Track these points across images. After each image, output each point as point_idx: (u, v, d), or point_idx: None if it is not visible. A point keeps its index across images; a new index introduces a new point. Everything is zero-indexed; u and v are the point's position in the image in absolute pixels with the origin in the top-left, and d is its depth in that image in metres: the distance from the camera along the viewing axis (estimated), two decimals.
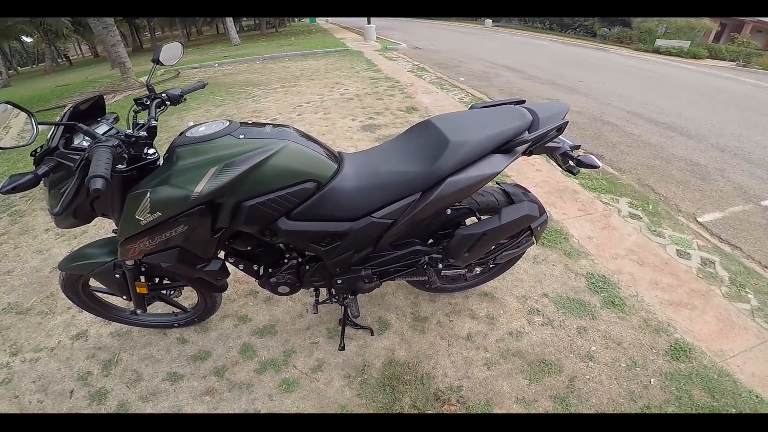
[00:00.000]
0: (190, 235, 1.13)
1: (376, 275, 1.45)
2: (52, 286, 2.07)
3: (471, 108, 1.44)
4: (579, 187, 2.86)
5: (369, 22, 13.22)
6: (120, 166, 1.01)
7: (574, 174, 1.33)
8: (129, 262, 1.31)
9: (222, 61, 10.25)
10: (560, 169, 1.38)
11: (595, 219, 2.48)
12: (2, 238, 2.56)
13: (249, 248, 1.31)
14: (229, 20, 16.46)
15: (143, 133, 1.07)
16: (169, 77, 8.74)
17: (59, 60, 25.85)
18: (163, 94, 1.28)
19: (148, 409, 1.46)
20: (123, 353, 1.71)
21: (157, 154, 1.10)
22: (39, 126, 0.94)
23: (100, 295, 1.61)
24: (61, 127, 1.03)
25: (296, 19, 36.27)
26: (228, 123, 1.12)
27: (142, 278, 1.38)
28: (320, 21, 38.00)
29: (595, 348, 1.62)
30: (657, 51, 13.56)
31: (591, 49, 13.68)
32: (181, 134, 1.11)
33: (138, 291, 1.39)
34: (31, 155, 1.01)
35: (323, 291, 1.70)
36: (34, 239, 2.51)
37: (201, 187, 1.01)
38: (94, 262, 1.35)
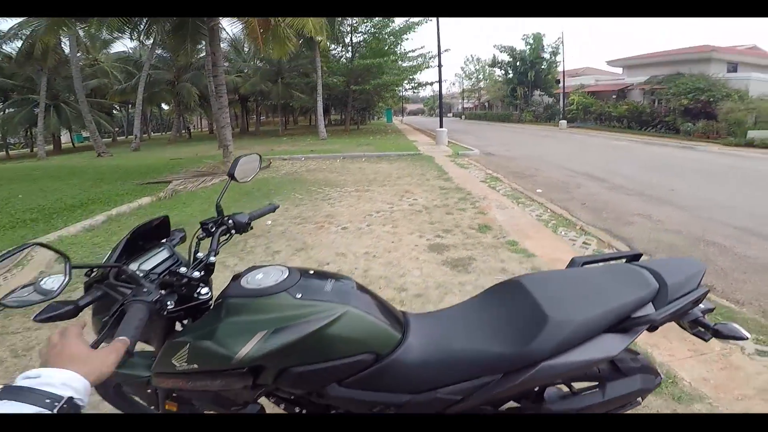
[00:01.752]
0: (228, 387, 1.01)
1: None
2: None
3: (572, 262, 1.20)
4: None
5: (441, 125, 14.11)
6: (168, 304, 0.94)
7: (705, 341, 1.05)
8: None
9: (308, 155, 11.38)
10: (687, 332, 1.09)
11: (711, 359, 2.05)
12: None
13: (293, 397, 1.14)
14: (320, 115, 18.72)
15: (197, 274, 0.99)
16: (262, 167, 9.78)
17: (182, 131, 30.96)
18: (230, 221, 1.21)
19: None
20: None
21: (210, 294, 1.02)
22: (73, 271, 0.80)
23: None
24: (118, 251, 0.98)
25: (375, 117, 40.57)
26: (287, 274, 1.03)
27: (174, 400, 1.23)
28: (396, 121, 41.99)
29: None
30: (750, 144, 12.34)
31: (676, 147, 12.91)
32: (236, 278, 1.05)
33: (167, 407, 1.24)
34: (86, 275, 0.98)
35: None
36: None
37: (245, 352, 0.91)
38: (131, 374, 1.25)
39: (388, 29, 20.80)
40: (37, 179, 8.78)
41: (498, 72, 35.72)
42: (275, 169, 9.50)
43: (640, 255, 1.20)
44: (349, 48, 22.12)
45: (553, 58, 30.25)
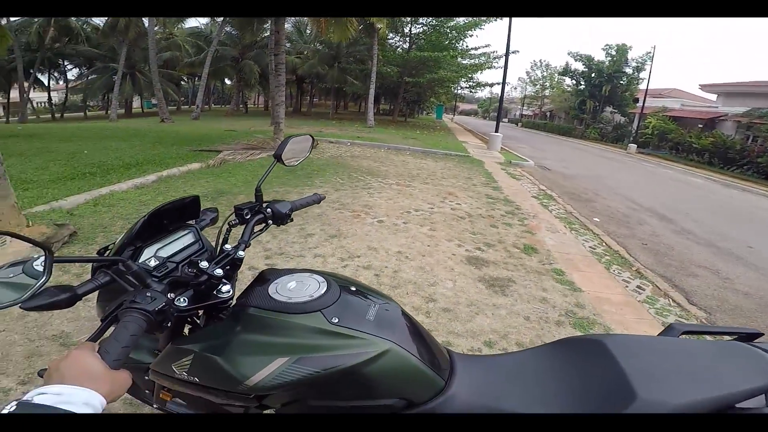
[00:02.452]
0: (226, 404, 0.88)
1: None
2: None
3: (670, 329, 0.99)
4: None
5: (497, 130, 13.52)
6: (181, 301, 0.77)
7: None
8: None
9: (354, 141, 11.34)
10: None
11: None
12: None
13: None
14: (370, 103, 18.69)
15: (219, 272, 0.82)
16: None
17: (240, 106, 32.44)
18: (268, 209, 1.06)
19: None
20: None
21: (231, 294, 0.84)
22: (53, 264, 0.64)
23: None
24: (135, 231, 0.82)
25: (424, 112, 39.99)
26: (325, 288, 0.85)
27: (169, 392, 1.12)
28: (446, 118, 41.17)
29: None
30: None
31: (763, 196, 11.25)
32: (262, 278, 0.90)
33: (161, 397, 1.13)
34: (98, 253, 0.85)
35: None
36: None
37: (257, 380, 0.75)
38: (133, 358, 1.12)
39: (452, 23, 20.18)
40: (103, 138, 9.34)
41: (568, 81, 32.85)
42: (321, 151, 9.52)
43: (761, 334, 0.93)
44: (407, 38, 21.77)
45: (636, 74, 27.12)
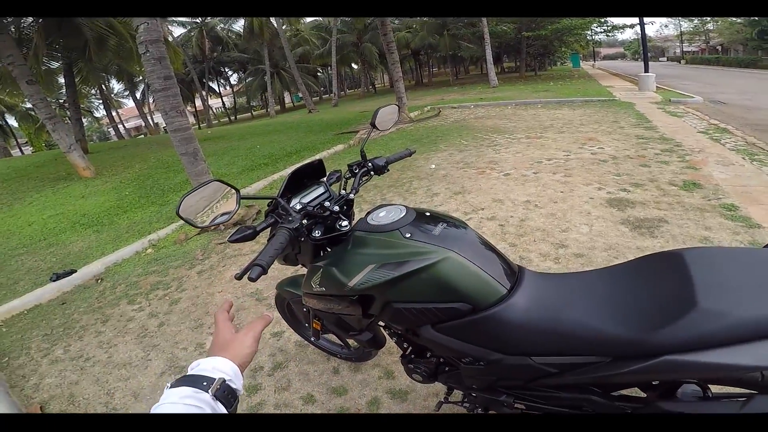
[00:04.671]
0: (345, 312, 1.19)
1: (522, 406, 1.13)
2: None
3: None
4: None
5: (646, 69, 11.23)
6: (316, 233, 1.14)
7: None
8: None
9: (478, 103, 11.05)
10: None
11: None
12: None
13: (399, 331, 1.29)
14: (489, 63, 17.60)
15: (336, 208, 1.19)
16: (431, 115, 10.12)
17: (369, 87, 34.61)
18: (369, 164, 1.40)
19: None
20: (291, 362, 2.07)
21: (348, 227, 1.18)
22: (241, 201, 1.03)
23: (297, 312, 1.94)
24: (283, 187, 1.17)
25: (559, 62, 35.19)
26: (403, 213, 1.10)
27: (317, 319, 1.55)
28: (586, 66, 35.37)
29: None
30: None
31: None
32: (369, 213, 1.16)
33: (314, 326, 1.56)
34: (268, 206, 1.21)
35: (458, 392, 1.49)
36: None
37: (354, 282, 1.03)
38: (294, 292, 1.61)
39: None
40: (268, 133, 11.34)
41: None
42: (444, 118, 9.61)
43: None
44: None
45: None
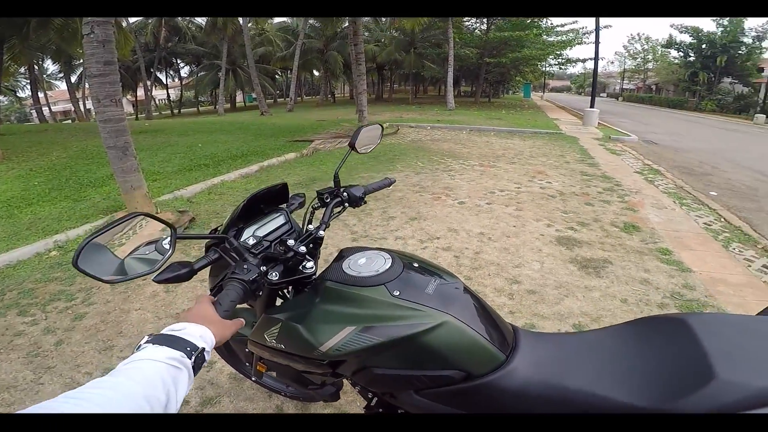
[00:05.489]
0: (307, 370, 1.02)
1: None
2: None
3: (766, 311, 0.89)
4: None
5: (592, 105, 12.20)
6: (273, 275, 0.92)
7: None
8: None
9: (434, 125, 11.24)
10: None
11: None
12: None
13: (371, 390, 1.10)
14: (449, 86, 18.21)
15: (302, 249, 0.96)
16: (390, 132, 10.04)
17: (328, 96, 34.37)
18: (344, 193, 1.20)
19: None
20: (224, 397, 1.78)
21: (313, 270, 0.98)
22: (177, 241, 0.80)
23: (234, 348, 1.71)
24: (236, 214, 0.99)
25: (510, 91, 37.51)
26: (389, 264, 0.94)
27: (264, 364, 1.34)
28: (535, 97, 38.08)
29: None
30: None
31: None
32: (341, 256, 1.01)
33: (258, 369, 1.36)
34: (209, 233, 0.99)
35: None
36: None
37: (330, 345, 0.86)
38: (237, 332, 1.36)
39: None
40: (213, 132, 10.65)
41: (674, 53, 30.99)
42: (402, 136, 9.63)
43: None
44: (485, 20, 20.52)
45: (758, 43, 24.62)
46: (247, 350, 1.40)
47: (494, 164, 6.33)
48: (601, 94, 53.62)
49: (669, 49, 31.22)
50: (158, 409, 0.49)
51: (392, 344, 0.83)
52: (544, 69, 29.00)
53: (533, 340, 0.93)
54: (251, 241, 0.97)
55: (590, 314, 2.32)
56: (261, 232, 1.02)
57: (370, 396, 1.17)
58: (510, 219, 3.87)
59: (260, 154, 7.45)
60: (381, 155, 7.02)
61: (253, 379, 1.65)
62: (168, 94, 36.53)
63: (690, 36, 27.08)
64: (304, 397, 1.69)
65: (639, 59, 42.15)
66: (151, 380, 0.50)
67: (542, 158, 6.79)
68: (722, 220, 3.94)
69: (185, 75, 36.79)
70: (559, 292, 2.57)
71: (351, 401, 1.69)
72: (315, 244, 1.05)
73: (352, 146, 1.21)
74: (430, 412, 0.90)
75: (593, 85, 13.25)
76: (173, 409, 0.51)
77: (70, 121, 30.56)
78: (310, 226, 1.08)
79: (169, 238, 0.83)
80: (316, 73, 36.11)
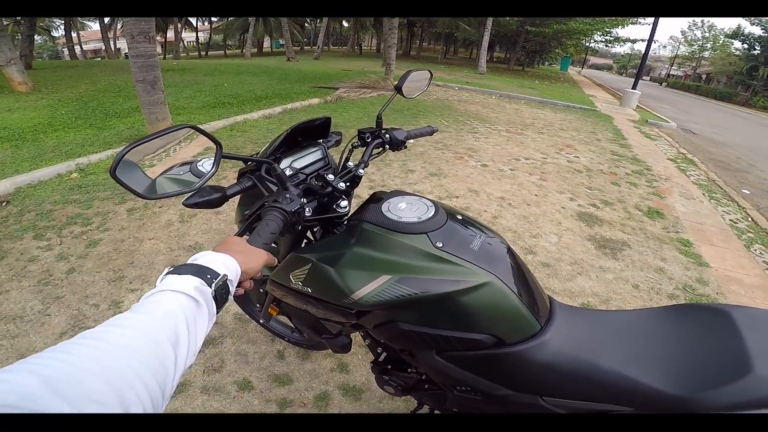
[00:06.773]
0: (330, 319, 0.97)
1: None
2: None
3: None
4: None
5: (635, 87, 11.46)
6: (306, 211, 0.85)
7: None
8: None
9: (463, 87, 10.77)
10: None
11: None
12: None
13: (381, 341, 1.06)
14: (483, 49, 17.28)
15: (341, 186, 0.90)
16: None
17: (355, 47, 33.33)
18: (386, 135, 1.13)
19: (197, 402, 1.49)
20: (228, 338, 1.81)
21: (347, 209, 0.93)
22: (222, 159, 0.69)
23: None
24: (277, 143, 0.92)
25: (546, 62, 35.50)
26: (433, 212, 0.87)
27: (277, 306, 1.31)
28: (572, 71, 36.02)
29: None
30: None
31: None
32: (376, 198, 0.94)
33: (269, 311, 1.33)
34: (245, 162, 0.91)
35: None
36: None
37: (362, 294, 0.80)
38: None
39: None
40: (240, 74, 10.38)
41: (737, 45, 28.82)
42: (427, 93, 9.26)
43: None
44: None
45: None
46: (261, 290, 1.37)
47: (522, 132, 6.10)
48: (644, 77, 50.97)
49: (733, 40, 28.99)
50: (182, 348, 0.44)
51: (428, 300, 0.77)
52: (588, 44, 27.19)
53: (568, 313, 0.89)
54: (288, 172, 0.90)
55: (600, 295, 2.30)
56: (298, 164, 0.97)
57: (379, 351, 1.14)
58: (533, 187, 3.77)
59: (284, 97, 7.31)
60: (404, 109, 6.81)
61: (260, 321, 1.64)
62: (197, 36, 36.38)
63: (761, 29, 25.17)
64: (308, 345, 1.68)
65: (696, 46, 39.62)
66: (171, 313, 0.45)
67: (572, 132, 6.51)
68: (749, 219, 3.77)
69: (215, 18, 35.83)
70: (572, 268, 2.53)
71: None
72: (352, 182, 0.98)
73: (398, 89, 1.14)
74: (448, 374, 0.87)
75: (640, 67, 12.35)
76: (194, 348, 0.46)
77: (100, 58, 30.46)
78: (349, 164, 1.02)
79: (203, 161, 0.78)
80: (345, 24, 34.60)
